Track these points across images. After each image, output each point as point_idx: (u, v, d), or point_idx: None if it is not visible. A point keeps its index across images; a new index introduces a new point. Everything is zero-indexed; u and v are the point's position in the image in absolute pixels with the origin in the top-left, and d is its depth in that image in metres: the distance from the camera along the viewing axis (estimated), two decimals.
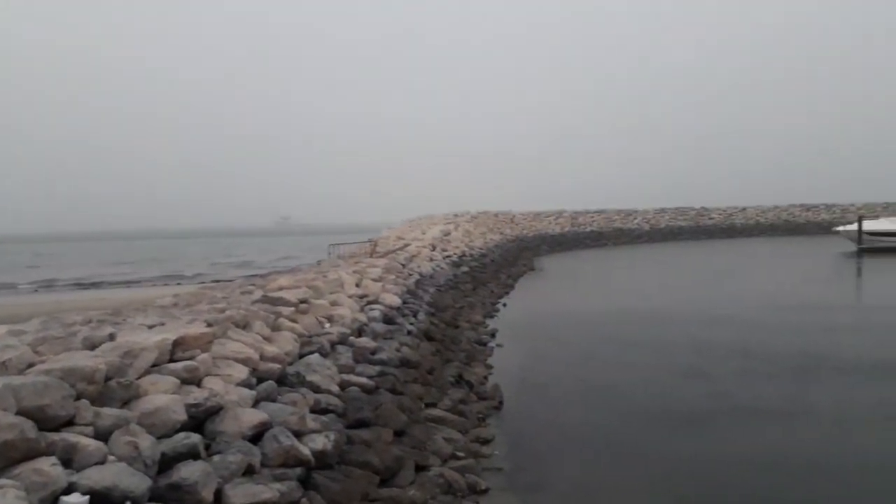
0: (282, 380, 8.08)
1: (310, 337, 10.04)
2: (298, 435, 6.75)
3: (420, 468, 7.63)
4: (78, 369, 5.56)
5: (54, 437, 4.92)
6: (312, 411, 7.62)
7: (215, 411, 6.33)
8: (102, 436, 5.23)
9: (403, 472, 7.38)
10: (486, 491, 7.45)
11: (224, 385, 6.90)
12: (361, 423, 8.04)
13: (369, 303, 14.02)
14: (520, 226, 60.21)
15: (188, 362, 6.83)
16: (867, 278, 33.06)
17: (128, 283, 37.93)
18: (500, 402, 11.03)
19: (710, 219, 74.76)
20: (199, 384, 6.73)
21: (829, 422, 9.92)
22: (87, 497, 4.55)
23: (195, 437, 5.72)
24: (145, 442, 5.27)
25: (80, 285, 37.65)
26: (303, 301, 11.40)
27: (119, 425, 5.35)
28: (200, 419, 6.19)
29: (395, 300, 15.05)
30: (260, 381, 7.59)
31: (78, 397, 5.39)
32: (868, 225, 45.66)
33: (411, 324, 14.35)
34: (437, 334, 14.74)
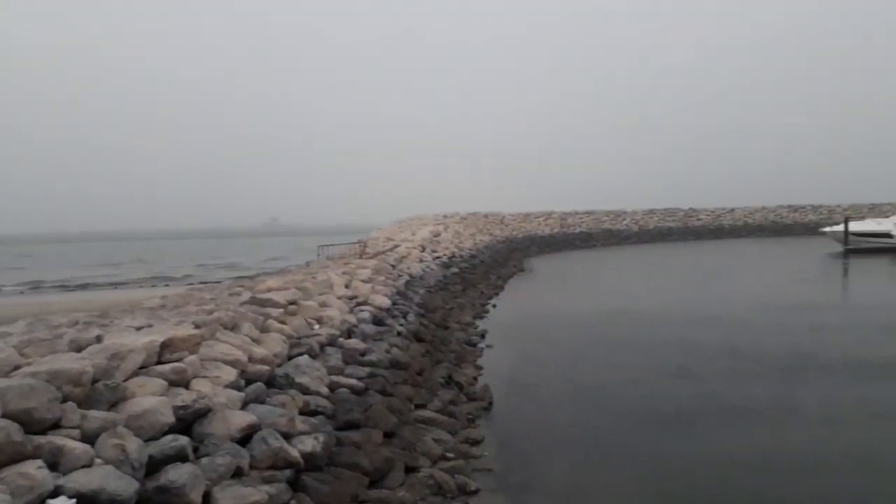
0: (271, 381, 8.05)
1: (299, 338, 10.00)
2: (287, 437, 6.73)
3: (410, 469, 7.62)
4: (64, 371, 5.51)
5: (40, 440, 4.88)
6: (301, 413, 7.60)
7: (203, 413, 6.29)
8: (89, 438, 5.19)
9: (393, 474, 7.37)
10: (475, 492, 7.46)
11: (212, 387, 6.86)
12: (351, 425, 8.02)
13: (359, 304, 13.99)
14: (509, 227, 60.28)
15: (176, 364, 6.79)
16: (853, 279, 33.35)
17: (115, 285, 37.64)
18: (490, 403, 11.04)
19: (699, 220, 75.17)
20: (187, 386, 6.69)
21: (817, 421, 10.00)
22: (74, 500, 4.51)
23: (183, 440, 5.68)
24: (133, 444, 5.23)
25: (66, 287, 37.33)
26: (292, 302, 11.36)
27: (106, 428, 5.31)
28: (188, 421, 6.15)
29: (385, 301, 15.03)
30: (248, 382, 7.55)
31: (64, 400, 5.35)
32: (854, 226, 46.11)
33: (401, 325, 14.33)
34: (426, 335, 14.73)
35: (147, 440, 5.49)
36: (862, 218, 54.52)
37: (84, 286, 37.43)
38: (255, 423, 6.55)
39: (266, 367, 8.13)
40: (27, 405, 4.96)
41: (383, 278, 17.92)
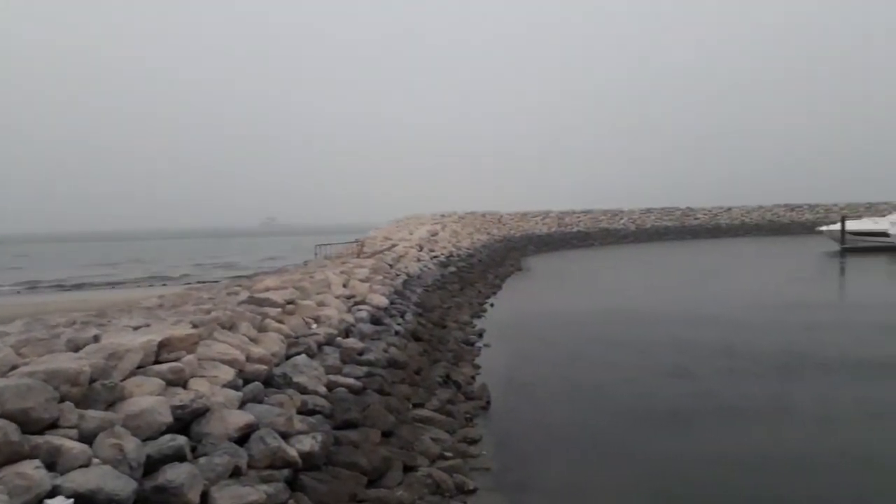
0: (268, 381, 8.05)
1: (297, 338, 10.01)
2: (285, 436, 6.73)
3: (408, 469, 7.63)
4: (62, 371, 5.51)
5: (38, 440, 4.87)
6: (299, 412, 7.60)
7: (201, 413, 6.29)
8: (87, 438, 5.19)
9: (391, 473, 7.38)
10: (473, 491, 7.46)
11: (210, 386, 6.86)
12: (349, 424, 8.03)
13: (356, 303, 13.99)
14: (507, 226, 60.29)
15: (174, 364, 6.79)
16: (850, 277, 33.41)
17: (112, 285, 37.58)
18: (488, 402, 11.05)
19: (696, 219, 75.24)
20: (184, 386, 6.70)
21: (814, 420, 10.02)
22: (72, 500, 4.51)
23: (181, 439, 5.68)
24: (130, 444, 5.23)
25: (63, 287, 37.27)
26: (289, 302, 11.35)
27: (104, 427, 5.31)
28: (186, 421, 6.15)
29: (383, 301, 15.03)
30: (246, 382, 7.56)
31: (62, 399, 5.35)
32: (851, 225, 46.22)
33: (399, 324, 14.33)
34: (424, 335, 14.74)
35: (145, 440, 5.49)
36: (859, 217, 54.63)
37: (81, 286, 37.37)
38: (253, 423, 6.55)
39: (264, 367, 8.13)
40: (24, 405, 4.96)
41: (381, 277, 17.92)
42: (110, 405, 5.76)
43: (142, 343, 6.71)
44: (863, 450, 8.80)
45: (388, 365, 10.99)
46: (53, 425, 5.16)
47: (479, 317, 20.95)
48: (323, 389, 8.57)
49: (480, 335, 17.52)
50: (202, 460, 5.71)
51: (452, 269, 29.42)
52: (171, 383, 6.52)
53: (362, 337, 11.84)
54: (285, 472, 6.26)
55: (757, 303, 22.61)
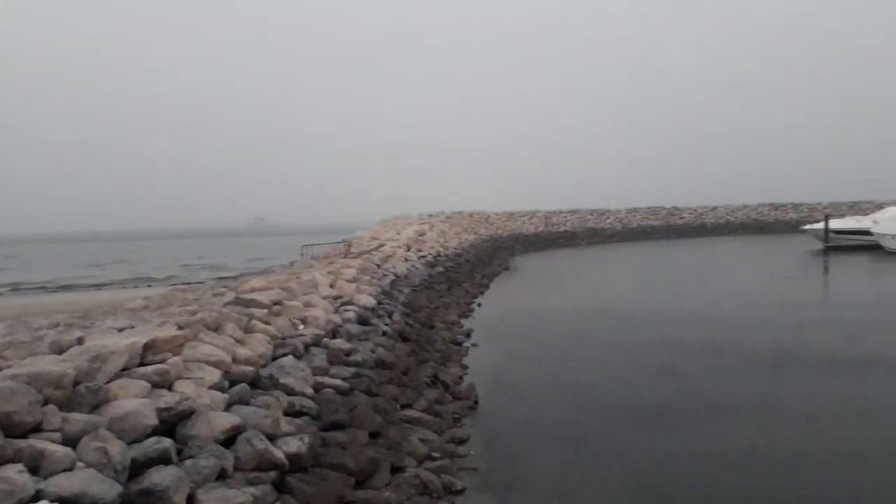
0: (255, 382, 8.01)
1: (283, 339, 9.96)
2: (272, 438, 6.70)
3: (395, 469, 7.62)
4: (45, 374, 5.45)
5: (21, 443, 4.82)
6: (286, 414, 7.56)
7: (187, 415, 6.25)
8: (71, 442, 5.13)
9: (379, 474, 7.36)
10: (461, 491, 7.47)
11: (196, 388, 6.81)
12: (336, 425, 8.00)
13: (344, 304, 13.95)
14: (494, 226, 60.38)
15: (159, 366, 6.74)
16: (834, 275, 33.78)
17: (97, 286, 37.27)
18: (476, 402, 11.06)
19: (681, 218, 75.66)
20: (170, 388, 6.65)
21: (801, 418, 10.08)
22: None
23: (167, 442, 5.64)
24: (115, 447, 5.18)
25: (47, 288, 36.91)
26: (276, 303, 11.30)
27: (88, 431, 5.26)
28: (172, 423, 6.11)
29: (370, 301, 15.00)
30: (232, 383, 7.51)
31: (45, 403, 5.29)
32: (834, 224, 46.69)
33: (386, 324, 14.31)
34: (412, 335, 14.73)
35: (130, 443, 5.44)
36: (842, 216, 55.17)
37: (66, 287, 37.04)
38: (240, 425, 6.52)
39: (250, 368, 8.09)
40: (7, 408, 4.90)
41: (368, 278, 17.89)
42: (94, 408, 5.70)
43: (126, 345, 6.65)
44: (851, 447, 8.87)
45: (375, 365, 10.97)
46: (37, 429, 5.10)
47: (467, 316, 20.97)
48: (310, 391, 8.54)
49: (468, 335, 17.54)
50: (188, 463, 5.67)
51: (440, 268, 29.42)
52: (156, 385, 6.47)
53: (349, 337, 11.81)
54: (272, 474, 6.23)
55: (743, 301, 22.77)
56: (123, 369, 6.46)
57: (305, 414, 7.86)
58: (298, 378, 8.58)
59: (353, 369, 10.11)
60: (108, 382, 6.11)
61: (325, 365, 9.80)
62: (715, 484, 7.76)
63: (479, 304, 23.79)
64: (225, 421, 6.42)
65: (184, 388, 6.70)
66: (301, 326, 10.96)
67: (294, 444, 6.80)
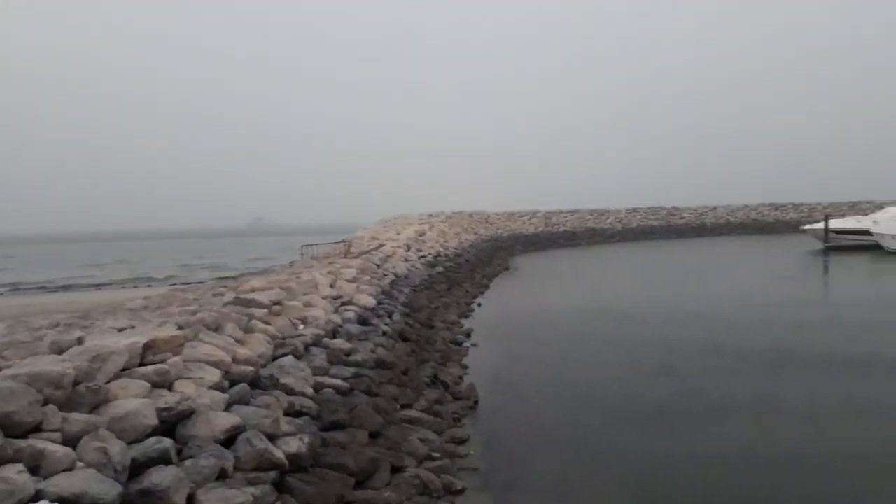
0: (255, 382, 8.01)
1: (283, 339, 9.96)
2: (272, 438, 6.70)
3: (395, 469, 7.61)
4: (45, 374, 5.45)
5: (21, 443, 4.82)
6: (286, 414, 7.56)
7: (187, 415, 6.25)
8: (71, 442, 5.13)
9: (379, 474, 7.36)
10: (461, 491, 7.46)
11: (196, 388, 6.81)
12: (336, 426, 8.00)
13: (343, 304, 13.95)
14: (494, 226, 60.39)
15: (159, 366, 6.73)
16: (834, 275, 33.78)
17: (97, 286, 37.27)
18: (476, 402, 11.06)
19: (681, 218, 75.66)
20: (170, 388, 6.64)
21: (801, 418, 10.08)
22: None
23: (167, 442, 5.64)
24: (115, 447, 5.18)
25: (47, 288, 36.90)
26: (276, 303, 11.30)
27: (88, 431, 5.26)
28: (172, 423, 6.11)
29: (370, 301, 15.00)
30: (232, 383, 7.51)
31: (45, 403, 5.29)
32: (834, 224, 46.70)
33: (386, 324, 14.31)
34: (412, 335, 14.72)
35: (130, 443, 5.44)
36: (842, 216, 55.19)
37: (66, 287, 37.03)
38: (240, 425, 6.51)
39: (250, 368, 8.09)
40: (7, 408, 4.90)
41: (368, 278, 17.88)
42: (94, 408, 5.70)
43: (126, 345, 6.65)
44: (851, 447, 8.87)
45: (375, 365, 10.96)
46: (37, 429, 5.10)
47: (467, 316, 20.97)
48: (310, 391, 8.54)
49: (468, 335, 17.54)
50: (188, 463, 5.67)
51: (440, 268, 29.41)
52: (156, 385, 6.47)
53: (349, 337, 11.81)
54: (272, 473, 6.23)
55: (743, 301, 22.77)
56: (123, 369, 6.46)
57: (305, 414, 7.86)
58: (298, 378, 8.58)
59: (353, 369, 10.11)
60: (108, 382, 6.10)
61: (325, 365, 9.80)
62: (715, 484, 7.75)
63: (479, 304, 23.79)
64: (225, 421, 6.42)
65: (184, 388, 6.70)
66: (301, 326, 10.96)
67: (294, 444, 6.79)
